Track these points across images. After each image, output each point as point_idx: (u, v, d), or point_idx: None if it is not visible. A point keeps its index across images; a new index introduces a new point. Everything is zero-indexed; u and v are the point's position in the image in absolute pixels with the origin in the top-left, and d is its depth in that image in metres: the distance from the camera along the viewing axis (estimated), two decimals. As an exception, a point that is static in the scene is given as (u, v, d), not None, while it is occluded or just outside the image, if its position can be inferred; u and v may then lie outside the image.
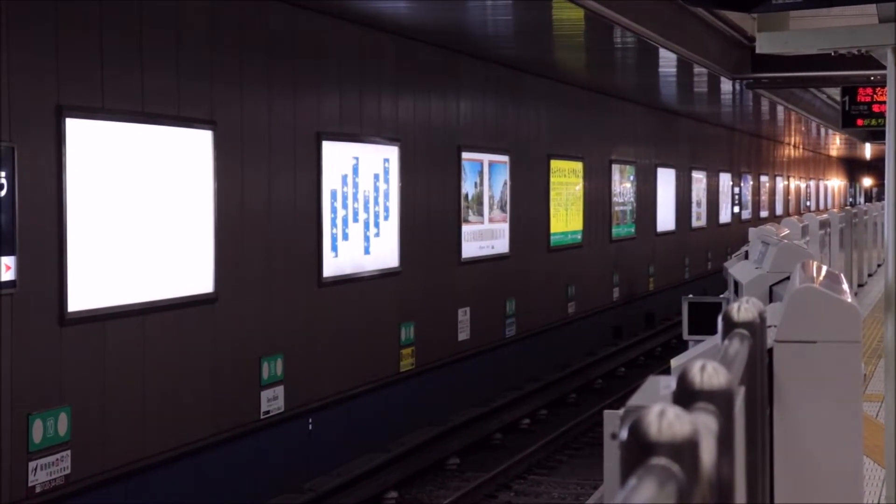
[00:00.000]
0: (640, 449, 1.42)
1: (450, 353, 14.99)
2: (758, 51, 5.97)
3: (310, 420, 11.71)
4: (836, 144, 43.11)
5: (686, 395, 1.85)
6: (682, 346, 8.44)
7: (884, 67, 5.52)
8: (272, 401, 11.08)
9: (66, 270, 8.48)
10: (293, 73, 11.57)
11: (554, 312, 18.86)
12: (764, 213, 37.02)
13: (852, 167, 62.28)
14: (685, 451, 1.41)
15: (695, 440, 1.42)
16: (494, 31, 14.13)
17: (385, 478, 11.90)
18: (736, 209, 33.13)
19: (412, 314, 13.94)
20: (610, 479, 3.09)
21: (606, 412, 3.14)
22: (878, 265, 18.57)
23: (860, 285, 17.11)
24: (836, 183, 56.78)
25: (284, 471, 11.22)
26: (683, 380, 1.87)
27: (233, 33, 10.64)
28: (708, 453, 1.59)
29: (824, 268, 4.72)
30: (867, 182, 64.72)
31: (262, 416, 10.94)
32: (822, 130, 33.46)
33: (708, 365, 1.88)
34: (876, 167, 59.79)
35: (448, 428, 13.74)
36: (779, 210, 39.69)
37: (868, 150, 39.98)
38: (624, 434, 1.45)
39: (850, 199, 62.11)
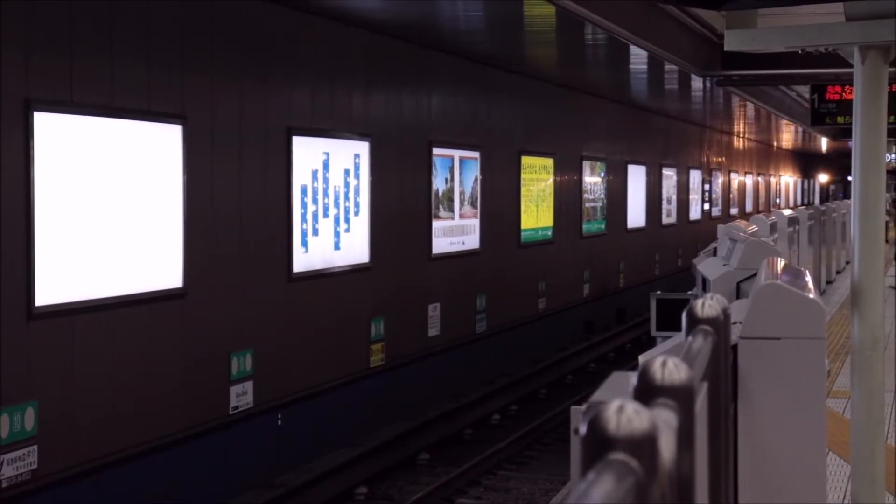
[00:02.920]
0: (598, 444, 1.43)
1: (420, 348, 15.00)
2: (726, 48, 6.00)
3: (279, 415, 11.69)
4: (810, 139, 43.13)
5: (647, 391, 1.86)
6: (652, 342, 8.47)
7: (851, 65, 5.56)
8: (241, 396, 11.05)
9: (34, 265, 8.44)
10: (264, 68, 11.54)
11: (525, 308, 18.89)
12: (734, 210, 37.18)
13: (806, 161, 57.27)
14: (643, 446, 1.42)
15: (653, 435, 1.43)
16: (466, 27, 14.13)
17: (355, 473, 11.90)
18: (706, 206, 33.26)
19: (382, 309, 13.94)
20: (577, 474, 3.11)
21: (573, 408, 3.16)
22: (847, 262, 18.69)
23: (828, 282, 17.22)
24: (793, 179, 53.48)
25: (254, 466, 11.20)
26: (644, 376, 1.88)
27: (203, 27, 10.60)
28: (667, 448, 1.60)
29: (789, 264, 4.75)
30: (823, 178, 60.56)
31: (231, 412, 10.92)
32: (795, 127, 33.61)
33: (669, 361, 1.90)
34: (834, 161, 57.60)
35: (418, 423, 13.74)
36: (749, 207, 39.87)
37: (824, 143, 39.23)
38: (583, 429, 1.46)
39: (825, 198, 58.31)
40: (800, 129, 32.58)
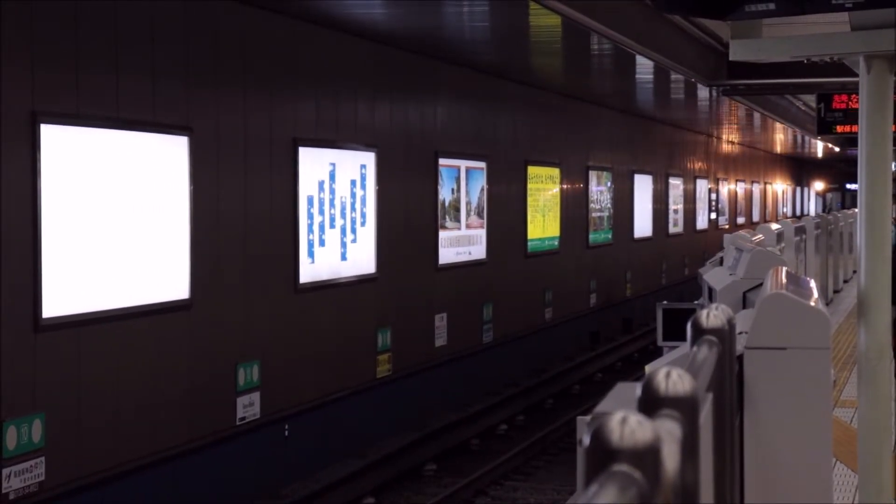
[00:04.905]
0: (602, 455, 1.43)
1: (427, 358, 14.99)
2: (731, 58, 5.97)
3: (286, 426, 11.69)
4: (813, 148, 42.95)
5: (651, 402, 1.86)
6: (659, 352, 8.47)
7: (856, 75, 5.55)
8: (248, 407, 11.06)
9: (41, 277, 8.46)
10: (269, 79, 11.56)
11: (531, 318, 18.88)
12: (741, 220, 37.14)
13: (800, 167, 52.95)
14: (647, 457, 1.42)
15: (656, 447, 1.43)
16: (471, 37, 14.14)
17: (362, 484, 11.89)
18: (713, 215, 33.22)
19: (389, 320, 13.94)
20: (582, 485, 3.10)
21: (579, 418, 3.16)
22: (854, 271, 18.66)
23: (836, 291, 17.19)
24: (787, 187, 49.51)
25: (261, 477, 11.20)
26: (648, 387, 1.88)
27: (208, 39, 10.62)
28: (671, 460, 1.60)
29: (795, 274, 4.74)
30: (819, 185, 56.51)
31: (238, 423, 10.92)
32: (801, 136, 33.57)
33: (673, 372, 1.89)
34: (832, 167, 54.53)
35: (425, 434, 13.74)
36: (756, 216, 39.81)
37: (819, 148, 38.01)
38: (587, 441, 1.46)
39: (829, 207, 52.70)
40: (798, 135, 32.47)
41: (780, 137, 34.96)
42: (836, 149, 34.01)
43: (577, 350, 20.48)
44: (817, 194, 56.99)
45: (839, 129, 16.22)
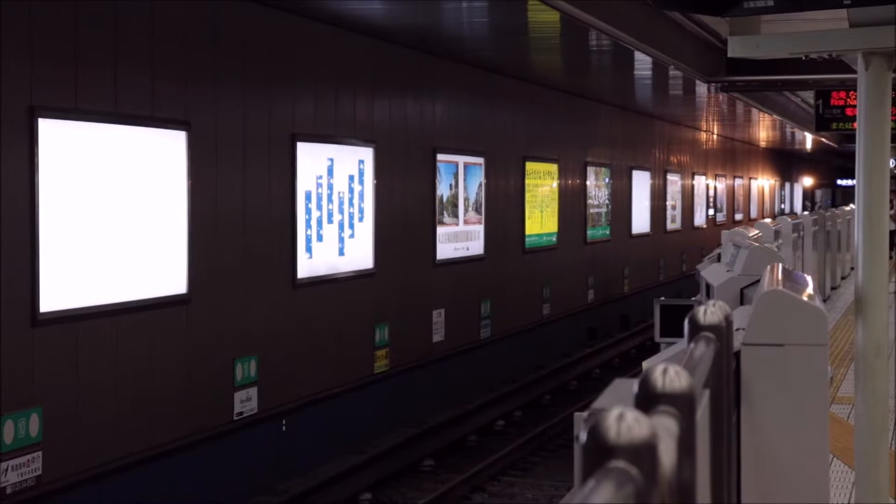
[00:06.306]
0: (599, 452, 1.43)
1: (424, 354, 14.99)
2: (730, 55, 5.99)
3: (283, 421, 11.69)
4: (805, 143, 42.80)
5: (648, 399, 1.86)
6: (657, 348, 8.47)
7: (855, 71, 5.56)
8: (245, 402, 11.06)
9: (39, 271, 8.45)
10: (268, 75, 11.56)
11: (529, 314, 18.88)
12: (739, 216, 37.14)
13: (786, 162, 50.20)
14: (643, 453, 1.42)
15: (653, 443, 1.44)
16: (470, 34, 14.14)
17: (359, 479, 11.90)
18: (711, 212, 33.23)
19: (387, 315, 13.94)
20: (579, 481, 3.11)
21: (577, 414, 3.16)
22: (852, 268, 18.67)
23: (833, 288, 17.21)
24: (770, 183, 46.38)
25: (258, 472, 11.20)
26: (645, 383, 1.88)
27: (207, 34, 10.62)
28: (668, 456, 1.60)
29: (793, 270, 4.75)
30: (808, 181, 53.89)
31: (235, 418, 10.92)
32: (797, 133, 33.55)
33: (670, 368, 1.90)
34: (821, 162, 52.85)
35: (423, 429, 13.74)
36: (753, 212, 39.82)
37: (809, 141, 36.68)
38: (584, 437, 1.46)
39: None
40: (795, 131, 32.42)
41: (778, 134, 34.94)
42: (816, 140, 33.71)
43: (575, 346, 20.49)
44: (805, 190, 55.21)
45: (837, 125, 16.23)
